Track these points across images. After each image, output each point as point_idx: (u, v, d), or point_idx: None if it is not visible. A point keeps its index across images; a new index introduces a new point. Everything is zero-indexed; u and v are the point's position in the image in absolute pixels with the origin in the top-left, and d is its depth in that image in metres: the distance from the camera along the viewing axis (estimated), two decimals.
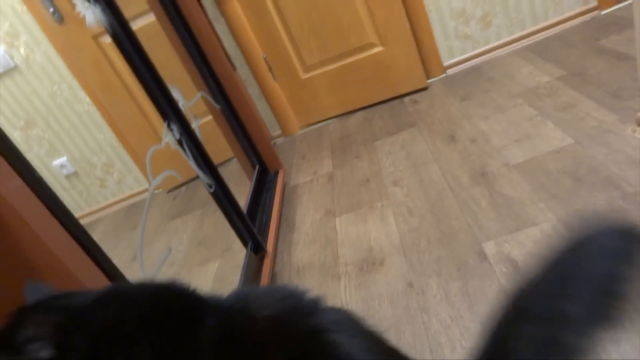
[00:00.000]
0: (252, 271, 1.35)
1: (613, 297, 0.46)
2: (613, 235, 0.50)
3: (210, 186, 1.29)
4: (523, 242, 1.15)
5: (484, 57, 2.24)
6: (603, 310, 0.46)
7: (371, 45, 2.19)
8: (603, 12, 2.11)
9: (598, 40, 1.92)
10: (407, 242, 1.33)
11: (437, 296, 1.12)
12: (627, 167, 1.21)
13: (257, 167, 1.91)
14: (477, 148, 1.60)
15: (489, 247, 1.18)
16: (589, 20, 2.11)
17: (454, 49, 2.25)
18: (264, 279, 1.34)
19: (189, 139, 1.24)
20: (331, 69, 2.28)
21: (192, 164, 1.22)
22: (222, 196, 1.32)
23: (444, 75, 2.30)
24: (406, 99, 2.25)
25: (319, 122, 2.44)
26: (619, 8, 2.06)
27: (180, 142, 1.21)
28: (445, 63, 2.28)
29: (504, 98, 1.83)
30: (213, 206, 1.47)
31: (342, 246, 1.45)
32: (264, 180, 1.91)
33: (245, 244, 1.40)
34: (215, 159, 1.39)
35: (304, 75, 2.32)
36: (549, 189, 1.27)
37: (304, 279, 1.39)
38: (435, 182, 1.53)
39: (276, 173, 1.96)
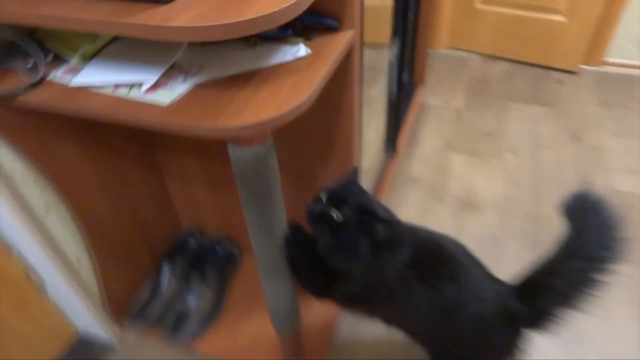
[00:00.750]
0: (380, 167, 1.72)
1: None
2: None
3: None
4: None
5: None
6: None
7: (554, 11, 2.24)
8: None
9: None
10: (505, 205, 1.68)
11: (511, 255, 1.50)
12: None
13: (407, 73, 2.15)
14: (594, 158, 1.85)
15: None
16: None
17: (624, 50, 2.30)
18: (388, 178, 1.71)
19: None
20: (506, 12, 2.35)
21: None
22: (395, 94, 1.62)
23: (598, 68, 2.38)
24: (553, 74, 2.37)
25: (467, 51, 2.59)
26: None
27: None
28: (608, 59, 2.34)
29: None
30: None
31: (451, 179, 1.80)
32: (406, 90, 2.16)
33: (388, 143, 1.74)
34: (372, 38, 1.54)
35: (479, 5, 2.40)
36: (634, 226, 1.57)
37: (414, 189, 1.77)
38: (547, 168, 1.82)
39: (416, 85, 2.20)
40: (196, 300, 1.28)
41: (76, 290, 1.16)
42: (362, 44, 0.89)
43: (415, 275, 0.83)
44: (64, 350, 1.29)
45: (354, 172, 0.87)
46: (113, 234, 1.21)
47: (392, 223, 0.80)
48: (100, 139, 1.08)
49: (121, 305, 1.30)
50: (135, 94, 0.68)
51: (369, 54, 1.01)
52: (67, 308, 1.24)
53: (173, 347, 1.29)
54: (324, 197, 0.80)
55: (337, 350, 1.27)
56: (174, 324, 1.25)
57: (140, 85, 0.69)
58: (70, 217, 1.08)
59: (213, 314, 1.29)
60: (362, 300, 0.87)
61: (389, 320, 0.95)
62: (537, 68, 2.42)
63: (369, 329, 1.31)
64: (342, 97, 0.90)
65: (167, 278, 1.32)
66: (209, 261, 1.38)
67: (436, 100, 2.24)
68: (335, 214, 0.76)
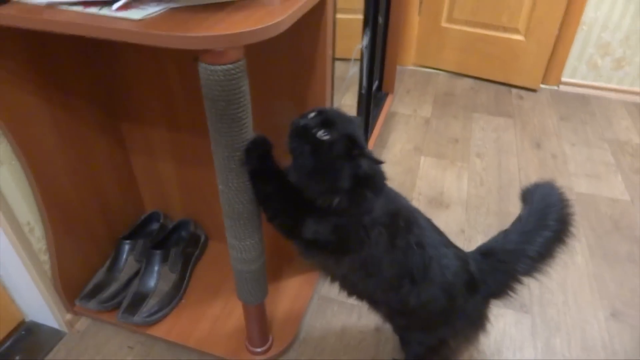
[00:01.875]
0: None
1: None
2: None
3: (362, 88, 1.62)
4: None
5: (597, 91, 2.46)
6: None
7: (515, 31, 2.38)
8: None
9: None
10: (471, 202, 1.71)
11: None
12: None
13: (377, 82, 2.21)
14: (554, 163, 1.93)
15: None
16: None
17: (578, 71, 2.45)
18: None
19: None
20: (470, 31, 2.48)
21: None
22: (365, 100, 1.66)
23: (556, 87, 2.52)
24: (514, 91, 2.49)
25: (432, 68, 2.69)
26: None
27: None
28: (564, 79, 2.49)
29: (594, 136, 2.11)
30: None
31: (420, 179, 1.83)
32: (375, 97, 2.22)
33: None
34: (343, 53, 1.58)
35: (444, 24, 2.52)
36: (591, 221, 1.63)
37: None
38: (510, 171, 1.88)
39: (386, 94, 2.27)
40: (155, 282, 1.21)
41: (25, 263, 1.07)
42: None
43: (387, 234, 0.81)
44: (7, 335, 1.19)
45: (357, 118, 0.84)
46: (71, 207, 1.14)
47: (378, 164, 0.77)
48: (63, 91, 1.04)
49: (74, 287, 1.21)
50: (106, 12, 0.66)
51: (340, 66, 1.06)
52: (13, 285, 1.15)
53: (127, 331, 1.20)
54: (312, 114, 0.75)
55: (304, 339, 1.22)
56: (129, 305, 1.17)
57: (111, 4, 0.67)
58: (25, 178, 1.01)
59: (173, 297, 1.22)
60: (328, 247, 0.81)
61: (348, 280, 0.91)
62: (499, 85, 2.54)
63: (337, 317, 1.27)
64: (315, 52, 0.91)
65: (126, 259, 1.25)
66: (171, 244, 1.32)
67: (405, 110, 2.30)
68: (320, 132, 0.71)
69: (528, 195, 0.99)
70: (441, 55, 2.64)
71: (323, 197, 0.75)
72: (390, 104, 2.31)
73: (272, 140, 0.77)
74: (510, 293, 0.94)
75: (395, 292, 0.87)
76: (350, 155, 0.72)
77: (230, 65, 0.65)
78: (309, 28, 0.88)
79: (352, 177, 0.73)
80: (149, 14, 0.66)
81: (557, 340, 1.23)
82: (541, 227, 0.92)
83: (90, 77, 1.11)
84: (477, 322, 0.95)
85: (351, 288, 0.93)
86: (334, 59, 0.99)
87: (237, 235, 0.85)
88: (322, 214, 0.76)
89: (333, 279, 0.92)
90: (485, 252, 0.94)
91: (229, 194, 0.79)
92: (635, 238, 1.57)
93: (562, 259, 1.47)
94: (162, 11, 0.67)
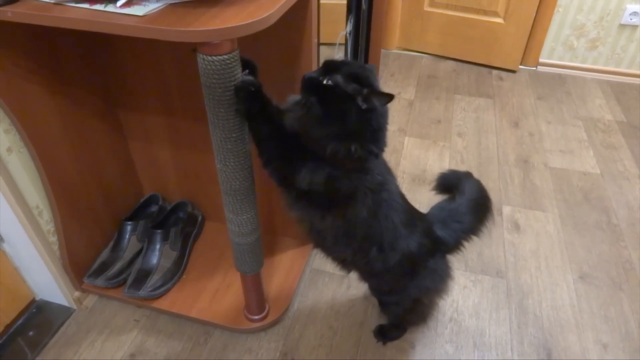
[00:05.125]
0: None
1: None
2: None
3: None
4: (528, 217, 1.64)
5: (573, 71, 2.56)
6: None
7: (495, 14, 2.46)
8: None
9: None
10: None
11: None
12: (621, 207, 1.68)
13: None
14: (531, 141, 2.03)
15: (506, 210, 1.67)
16: None
17: (555, 52, 2.55)
18: None
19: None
20: (451, 14, 2.56)
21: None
22: None
23: (534, 68, 2.62)
24: (494, 72, 2.59)
25: (416, 51, 2.77)
26: None
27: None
28: (541, 60, 2.59)
29: (569, 115, 2.22)
30: None
31: (404, 158, 1.92)
32: None
33: None
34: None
35: (427, 7, 2.60)
36: (564, 193, 1.74)
37: None
38: (489, 149, 1.98)
39: None
40: (158, 260, 1.29)
41: (35, 244, 1.15)
42: None
43: (372, 200, 0.87)
44: (20, 313, 1.26)
45: (371, 65, 0.85)
46: (76, 190, 1.21)
47: (389, 99, 0.76)
48: (66, 83, 1.10)
49: (81, 266, 1.29)
50: (111, 9, 0.73)
51: (326, 51, 1.12)
52: (25, 266, 1.23)
53: (133, 305, 1.29)
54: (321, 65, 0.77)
55: (298, 308, 1.31)
56: (134, 281, 1.25)
57: (115, 1, 0.74)
58: (33, 164, 1.08)
59: (175, 273, 1.31)
60: (317, 200, 0.84)
61: (325, 237, 0.95)
62: (480, 67, 2.63)
63: (328, 287, 1.37)
64: (301, 39, 0.98)
65: (129, 239, 1.33)
66: (171, 224, 1.40)
67: (390, 92, 2.38)
68: (325, 79, 0.74)
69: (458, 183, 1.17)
70: (424, 39, 2.71)
71: (333, 143, 0.76)
72: None
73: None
74: (462, 248, 1.08)
75: (363, 255, 0.95)
76: (360, 94, 0.73)
77: (225, 56, 0.73)
78: (296, 16, 0.95)
79: (363, 121, 0.75)
80: (151, 10, 0.73)
81: (529, 301, 1.34)
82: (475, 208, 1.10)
83: (90, 69, 1.17)
84: (443, 275, 1.06)
85: (325, 244, 0.99)
86: (319, 44, 1.06)
87: (235, 210, 0.94)
88: (319, 163, 0.79)
89: (311, 233, 0.96)
90: (443, 216, 1.07)
91: (226, 172, 0.87)
92: (604, 208, 1.68)
93: (535, 230, 1.59)
94: (162, 7, 0.75)
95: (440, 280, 1.05)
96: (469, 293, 1.36)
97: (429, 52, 2.75)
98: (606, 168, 1.88)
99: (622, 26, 2.37)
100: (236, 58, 0.74)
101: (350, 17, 1.58)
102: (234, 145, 0.83)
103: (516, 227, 1.60)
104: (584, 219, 1.64)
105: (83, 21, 0.72)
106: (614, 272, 1.43)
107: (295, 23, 0.96)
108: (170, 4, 0.76)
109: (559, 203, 1.70)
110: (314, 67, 1.06)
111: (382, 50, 2.81)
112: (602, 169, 1.87)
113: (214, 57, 0.72)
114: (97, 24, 0.72)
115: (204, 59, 0.73)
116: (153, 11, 0.73)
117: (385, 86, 2.43)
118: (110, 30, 0.71)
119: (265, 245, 1.43)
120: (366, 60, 2.30)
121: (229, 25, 0.69)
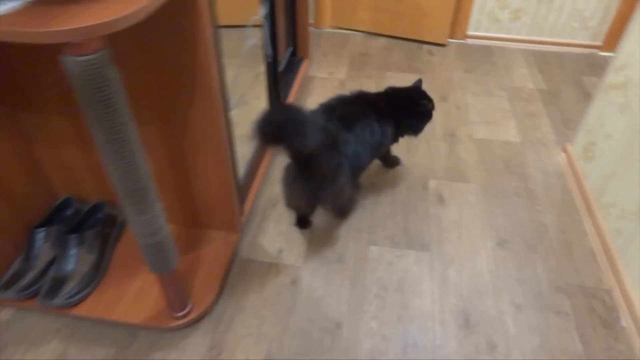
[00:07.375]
0: None
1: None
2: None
3: (268, 57, 1.67)
4: (452, 189, 1.70)
5: (499, 42, 2.63)
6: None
7: None
8: (601, 54, 2.55)
9: (583, 74, 2.38)
10: None
11: (386, 197, 1.66)
12: (539, 172, 1.77)
13: (291, 48, 2.25)
14: (458, 114, 2.08)
15: (432, 183, 1.72)
16: (587, 54, 2.55)
17: (481, 24, 2.61)
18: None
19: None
20: None
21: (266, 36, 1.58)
22: (272, 68, 1.71)
23: (463, 41, 2.67)
24: (425, 47, 2.62)
25: (348, 29, 2.76)
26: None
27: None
28: (469, 32, 2.64)
29: (494, 86, 2.29)
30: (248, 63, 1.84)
31: None
32: (291, 62, 2.27)
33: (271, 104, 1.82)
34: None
35: None
36: (486, 163, 1.81)
37: None
38: None
39: (301, 60, 2.32)
40: (73, 266, 1.25)
41: None
42: None
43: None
44: None
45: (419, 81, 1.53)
46: None
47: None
48: None
49: None
50: None
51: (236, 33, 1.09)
52: None
53: (52, 315, 1.25)
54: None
55: (226, 299, 1.31)
56: (48, 290, 1.21)
57: None
58: None
59: (94, 277, 1.27)
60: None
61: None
62: (411, 42, 2.66)
63: (256, 276, 1.37)
64: (196, 27, 0.95)
65: (41, 246, 1.28)
66: (88, 226, 1.35)
67: (322, 73, 2.37)
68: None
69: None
70: (356, 16, 2.70)
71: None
72: (307, 69, 2.37)
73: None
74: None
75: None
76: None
77: (91, 56, 0.69)
78: (185, 3, 0.92)
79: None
80: (7, 10, 0.68)
81: (450, 271, 1.40)
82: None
83: None
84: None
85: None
86: (217, 27, 1.03)
87: (135, 212, 0.91)
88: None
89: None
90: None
91: (117, 174, 0.84)
92: (523, 175, 1.76)
93: (458, 201, 1.65)
94: (19, 6, 0.70)
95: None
96: (394, 269, 1.40)
97: (361, 29, 2.75)
98: (526, 136, 1.96)
99: None
100: (104, 57, 0.71)
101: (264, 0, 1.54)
102: (120, 146, 0.80)
103: (440, 200, 1.66)
104: (504, 186, 1.71)
105: None
106: (529, 236, 1.51)
107: (184, 8, 0.93)
108: (30, 2, 0.71)
109: (481, 173, 1.77)
110: (212, 54, 1.03)
111: (315, 30, 2.79)
112: (523, 137, 1.95)
113: (79, 58, 0.69)
114: None
115: (68, 60, 0.69)
116: (9, 11, 0.68)
117: (318, 67, 2.42)
118: None
119: (188, 239, 1.42)
120: (294, 42, 2.27)
121: (90, 24, 0.65)
